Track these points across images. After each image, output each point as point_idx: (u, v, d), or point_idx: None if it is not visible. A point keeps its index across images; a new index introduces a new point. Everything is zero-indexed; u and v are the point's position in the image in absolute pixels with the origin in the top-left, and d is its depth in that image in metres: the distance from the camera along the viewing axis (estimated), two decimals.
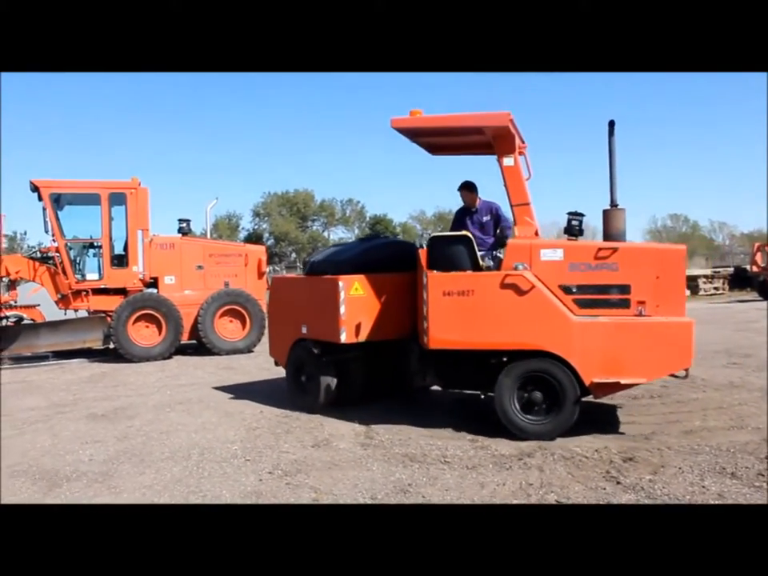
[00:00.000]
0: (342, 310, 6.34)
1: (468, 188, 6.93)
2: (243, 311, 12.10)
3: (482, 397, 6.20)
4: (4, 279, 11.66)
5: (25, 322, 11.97)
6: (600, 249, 5.78)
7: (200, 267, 12.44)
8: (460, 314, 5.91)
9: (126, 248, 12.05)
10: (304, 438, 5.85)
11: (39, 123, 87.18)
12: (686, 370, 5.68)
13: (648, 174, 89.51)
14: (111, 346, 11.61)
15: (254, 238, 55.63)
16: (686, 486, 4.38)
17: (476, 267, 6.06)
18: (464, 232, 6.35)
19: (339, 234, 65.27)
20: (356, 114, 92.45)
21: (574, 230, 6.22)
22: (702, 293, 27.20)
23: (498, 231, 6.80)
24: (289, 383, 7.46)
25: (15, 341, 11.43)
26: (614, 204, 6.08)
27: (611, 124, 6.06)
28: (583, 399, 5.69)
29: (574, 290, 5.78)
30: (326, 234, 65.41)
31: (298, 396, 7.21)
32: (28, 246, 44.19)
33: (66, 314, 12.11)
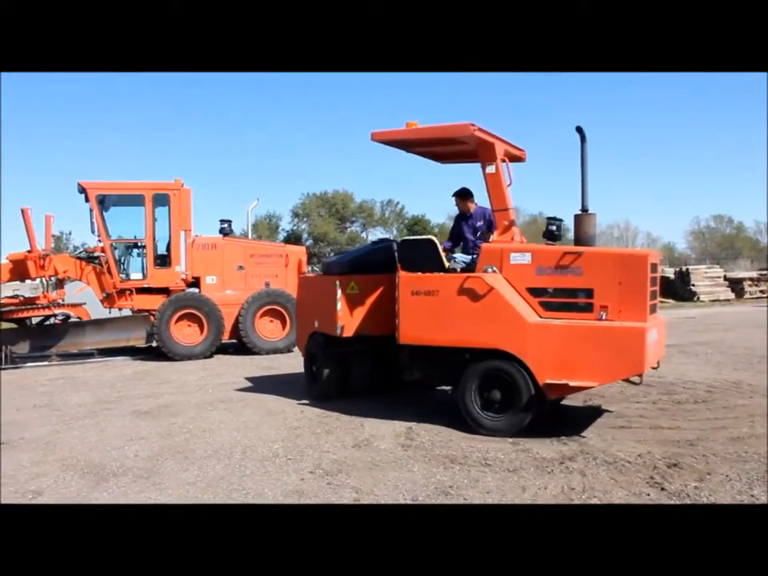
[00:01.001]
0: (339, 306, 7.01)
1: (461, 195, 7.26)
2: (283, 311, 12.19)
3: (451, 392, 6.57)
4: (52, 278, 11.94)
5: (71, 320, 12.23)
6: (565, 253, 5.95)
7: (241, 267, 12.58)
8: (426, 313, 6.32)
9: (168, 248, 12.27)
10: (345, 438, 5.88)
11: (85, 125, 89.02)
12: (640, 376, 5.65)
13: (691, 174, 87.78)
14: (154, 344, 11.82)
15: (293, 239, 55.90)
16: (734, 494, 4.29)
17: (441, 269, 6.44)
18: (428, 236, 7.01)
19: (378, 235, 65.27)
20: (396, 114, 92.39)
21: (552, 234, 6.46)
22: (747, 296, 26.53)
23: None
24: (305, 372, 8.16)
25: (62, 338, 11.72)
26: (584, 209, 6.22)
27: (579, 130, 6.22)
28: (627, 403, 5.64)
29: (541, 293, 6.00)
30: (364, 234, 65.50)
31: (311, 384, 7.93)
32: (73, 246, 45.14)
33: (110, 312, 12.35)
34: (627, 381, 5.94)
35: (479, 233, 7.07)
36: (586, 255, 5.90)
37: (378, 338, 6.99)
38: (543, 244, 6.39)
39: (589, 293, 5.83)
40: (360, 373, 7.61)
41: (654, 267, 6.06)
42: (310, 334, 7.88)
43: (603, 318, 5.72)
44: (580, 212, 6.27)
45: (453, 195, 7.31)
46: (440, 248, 6.57)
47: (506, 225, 6.43)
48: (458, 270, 6.49)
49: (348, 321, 7.06)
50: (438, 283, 6.33)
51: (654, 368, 6.34)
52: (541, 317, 5.93)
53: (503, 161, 6.48)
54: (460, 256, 6.85)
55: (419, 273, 6.42)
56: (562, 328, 5.80)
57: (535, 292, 6.02)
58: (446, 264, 6.50)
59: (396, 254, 6.81)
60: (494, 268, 6.13)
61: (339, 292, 7.01)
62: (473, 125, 6.12)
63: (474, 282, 6.09)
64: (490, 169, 6.44)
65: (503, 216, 6.46)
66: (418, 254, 6.61)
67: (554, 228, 6.52)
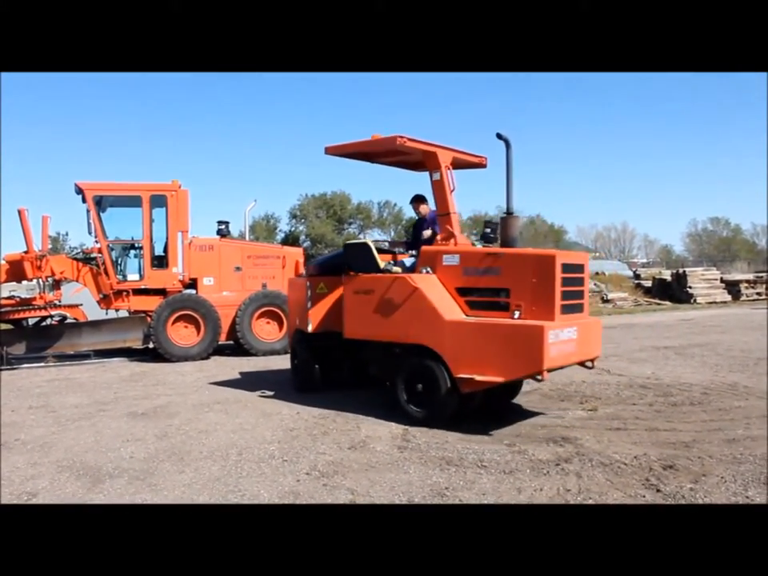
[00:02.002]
0: (309, 305, 7.67)
1: (414, 201, 7.74)
2: (280, 313, 12.18)
3: (388, 384, 7.04)
4: (49, 279, 11.93)
5: (68, 321, 12.23)
6: (486, 254, 6.39)
7: (238, 269, 12.59)
8: (365, 310, 6.89)
9: (166, 249, 12.27)
10: (341, 440, 5.88)
11: (81, 126, 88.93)
12: (540, 373, 5.74)
13: (688, 176, 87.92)
14: (151, 345, 11.81)
15: (290, 240, 55.92)
16: (729, 495, 4.30)
17: (377, 270, 6.95)
18: (364, 240, 7.58)
19: (375, 237, 65.26)
20: (393, 115, 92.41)
21: (488, 237, 7.01)
22: (744, 298, 26.60)
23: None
24: (291, 366, 8.75)
25: (59, 339, 11.71)
26: (509, 212, 6.59)
27: (500, 137, 6.51)
28: (623, 405, 5.63)
29: (468, 293, 6.41)
30: (362, 236, 65.46)
31: (294, 377, 8.57)
32: (70, 247, 45.06)
33: (107, 313, 12.35)
34: (533, 378, 5.99)
35: (436, 235, 7.27)
36: (504, 256, 6.25)
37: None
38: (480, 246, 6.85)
39: (506, 292, 6.16)
40: (332, 367, 8.08)
41: (572, 268, 6.25)
42: (294, 330, 8.45)
43: (517, 316, 6.01)
44: (505, 215, 6.64)
45: (410, 202, 7.80)
46: (374, 251, 7.03)
47: (448, 228, 6.82)
48: (392, 271, 6.92)
49: (316, 318, 7.68)
50: (373, 283, 6.87)
51: (588, 367, 6.65)
52: (467, 315, 6.31)
53: (447, 168, 6.84)
54: (407, 260, 7.30)
55: (360, 274, 7.03)
56: (473, 325, 6.12)
57: (463, 291, 6.44)
58: (381, 265, 6.99)
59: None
60: (428, 269, 6.63)
61: (309, 292, 7.68)
62: (401, 137, 6.54)
63: (401, 282, 6.59)
64: (435, 176, 6.87)
65: (446, 220, 6.85)
66: (358, 256, 7.17)
67: (489, 231, 7.03)
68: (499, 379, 5.93)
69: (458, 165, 7.30)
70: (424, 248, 6.87)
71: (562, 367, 6.27)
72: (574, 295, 6.25)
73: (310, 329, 7.66)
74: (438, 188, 6.86)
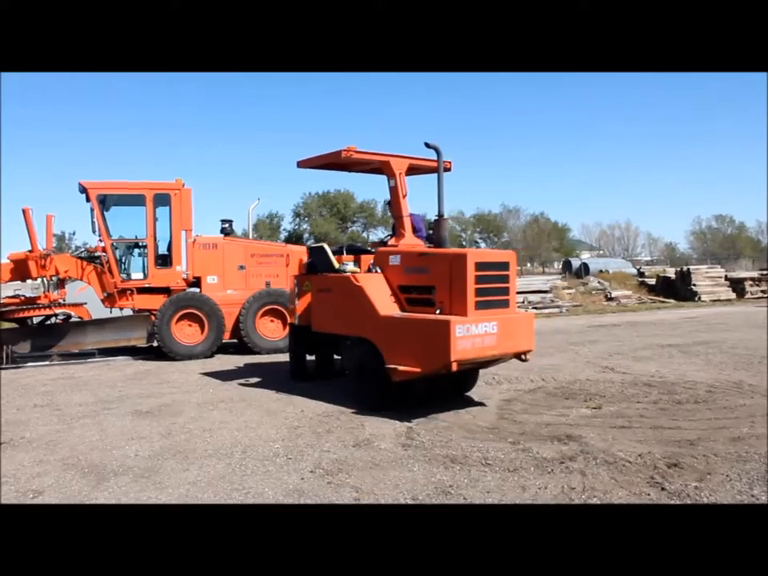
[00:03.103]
0: (296, 301, 8.35)
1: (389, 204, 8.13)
2: (284, 311, 12.17)
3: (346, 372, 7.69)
4: (53, 278, 11.94)
5: (72, 319, 12.24)
6: (418, 255, 6.94)
7: (242, 267, 12.59)
8: (325, 307, 7.64)
9: (169, 248, 12.26)
10: (345, 438, 5.88)
11: (85, 125, 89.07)
12: (450, 365, 6.10)
13: (693, 174, 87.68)
14: (155, 344, 11.83)
15: (294, 239, 55.98)
16: (734, 494, 4.29)
17: (332, 270, 7.62)
18: (321, 244, 8.39)
19: (379, 235, 65.25)
20: (397, 114, 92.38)
21: (430, 237, 7.54)
22: (748, 296, 26.49)
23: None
24: (289, 357, 9.35)
25: (63, 338, 11.73)
26: (440, 215, 7.12)
27: (428, 146, 7.07)
28: (627, 403, 5.61)
29: (407, 290, 6.96)
30: (365, 234, 65.51)
31: (290, 367, 9.17)
32: (75, 246, 45.14)
33: (111, 312, 12.36)
34: (445, 371, 6.27)
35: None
36: (429, 256, 6.81)
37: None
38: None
39: (431, 289, 6.67)
40: (325, 359, 8.92)
41: (490, 266, 6.62)
42: (291, 324, 9.09)
43: (439, 312, 6.46)
44: (437, 217, 7.14)
45: (387, 202, 8.24)
46: (329, 253, 7.78)
47: (401, 231, 7.50)
48: (345, 271, 7.47)
49: (302, 313, 8.31)
50: (330, 282, 7.57)
51: (522, 360, 6.95)
52: (406, 311, 6.85)
53: (402, 175, 7.53)
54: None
55: (322, 274, 7.78)
56: (399, 320, 6.66)
57: (403, 289, 7.00)
58: (336, 265, 7.64)
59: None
60: (378, 268, 7.25)
61: (297, 288, 8.38)
62: (347, 150, 7.26)
63: (348, 280, 7.19)
64: (391, 183, 7.59)
65: (399, 223, 7.54)
66: (318, 258, 7.98)
67: (432, 232, 7.40)
68: (417, 370, 6.34)
69: (420, 170, 7.99)
70: (379, 249, 7.52)
71: (481, 360, 6.58)
72: (494, 292, 6.61)
73: (297, 322, 8.36)
74: (393, 193, 7.56)
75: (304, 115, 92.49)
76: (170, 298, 11.83)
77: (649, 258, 67.69)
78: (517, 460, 5.12)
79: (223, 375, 9.72)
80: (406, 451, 5.43)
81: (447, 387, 7.46)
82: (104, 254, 11.88)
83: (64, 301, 12.18)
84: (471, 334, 6.21)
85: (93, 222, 11.79)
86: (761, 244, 66.98)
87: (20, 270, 11.69)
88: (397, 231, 7.60)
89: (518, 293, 22.64)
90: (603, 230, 79.87)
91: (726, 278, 27.51)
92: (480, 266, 6.46)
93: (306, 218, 64.12)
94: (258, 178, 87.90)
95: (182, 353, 11.55)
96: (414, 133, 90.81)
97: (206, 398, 7.91)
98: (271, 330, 12.30)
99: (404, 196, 7.52)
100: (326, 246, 8.04)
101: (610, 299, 25.08)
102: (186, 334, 11.75)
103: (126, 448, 5.77)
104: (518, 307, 21.24)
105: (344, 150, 7.26)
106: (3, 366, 10.94)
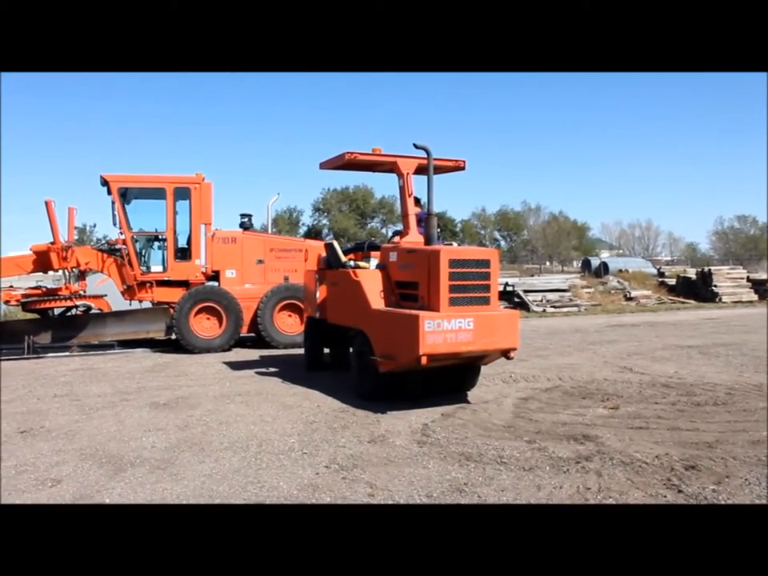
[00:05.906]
0: (316, 294, 8.71)
1: None
2: (302, 306, 12.22)
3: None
4: (74, 270, 12.06)
5: (93, 311, 12.36)
6: (407, 251, 7.13)
7: (260, 261, 12.64)
8: (335, 300, 8.08)
9: (189, 241, 12.34)
10: (361, 434, 5.89)
11: (108, 121, 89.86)
12: (419, 359, 6.24)
13: (715, 173, 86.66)
14: (173, 336, 11.93)
15: (313, 234, 56.13)
16: (753, 498, 4.23)
17: (341, 265, 7.90)
18: (331, 240, 8.90)
19: (397, 230, 64.98)
20: (417, 112, 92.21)
21: (427, 235, 7.44)
22: None
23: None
24: (304, 349, 9.76)
25: (83, 329, 11.86)
26: (429, 212, 7.34)
27: (417, 146, 7.21)
28: (645, 404, 5.56)
29: (401, 286, 7.15)
30: (384, 230, 65.48)
31: (304, 358, 9.58)
32: (96, 239, 45.54)
33: (131, 304, 12.48)
34: (417, 364, 6.34)
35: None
36: (414, 253, 6.99)
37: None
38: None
39: (415, 285, 6.85)
40: (333, 350, 9.36)
41: (467, 263, 6.64)
42: (306, 317, 9.60)
43: (423, 307, 6.60)
44: (426, 214, 7.36)
45: None
46: (338, 249, 8.11)
47: (407, 228, 7.70)
48: (349, 266, 7.73)
49: (323, 306, 8.55)
50: (338, 277, 7.88)
51: (508, 358, 6.90)
52: (400, 306, 7.00)
53: (409, 175, 7.74)
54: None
55: (333, 269, 8.09)
56: (384, 314, 6.90)
57: (398, 285, 7.20)
58: (343, 260, 7.95)
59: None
60: (382, 264, 7.49)
61: (318, 283, 8.70)
62: (349, 153, 7.59)
63: (349, 275, 7.50)
64: (400, 182, 7.83)
65: (405, 221, 7.76)
66: (330, 254, 8.31)
67: (421, 229, 7.57)
68: (394, 362, 6.60)
69: (434, 170, 7.81)
70: (383, 246, 7.82)
71: (458, 356, 6.61)
72: (471, 289, 6.65)
73: (318, 315, 8.64)
74: (401, 192, 7.83)
75: (325, 110, 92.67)
76: (189, 291, 11.91)
77: (669, 258, 67.09)
78: (532, 459, 5.09)
79: (240, 369, 9.77)
80: (421, 448, 5.42)
81: (445, 383, 7.43)
82: (124, 246, 11.99)
83: (84, 292, 12.29)
84: (443, 329, 6.30)
85: (114, 215, 11.90)
86: None
87: (42, 261, 11.82)
88: (403, 229, 7.83)
89: (537, 291, 22.64)
90: (623, 230, 79.30)
91: (748, 279, 27.15)
92: (455, 263, 6.54)
93: (326, 214, 64.23)
94: (278, 172, 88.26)
95: (199, 346, 11.63)
96: (437, 132, 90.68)
97: (222, 391, 7.96)
98: (289, 325, 12.33)
99: (410, 195, 7.75)
100: (335, 243, 8.39)
101: (629, 299, 24.88)
102: (204, 327, 11.83)
103: (143, 439, 5.82)
104: (536, 305, 21.34)
105: (347, 153, 7.58)
106: (24, 356, 11.09)
